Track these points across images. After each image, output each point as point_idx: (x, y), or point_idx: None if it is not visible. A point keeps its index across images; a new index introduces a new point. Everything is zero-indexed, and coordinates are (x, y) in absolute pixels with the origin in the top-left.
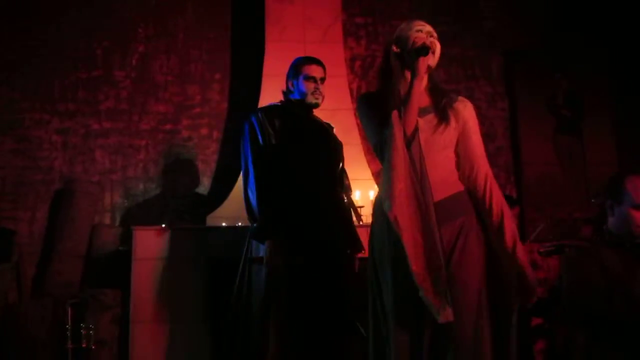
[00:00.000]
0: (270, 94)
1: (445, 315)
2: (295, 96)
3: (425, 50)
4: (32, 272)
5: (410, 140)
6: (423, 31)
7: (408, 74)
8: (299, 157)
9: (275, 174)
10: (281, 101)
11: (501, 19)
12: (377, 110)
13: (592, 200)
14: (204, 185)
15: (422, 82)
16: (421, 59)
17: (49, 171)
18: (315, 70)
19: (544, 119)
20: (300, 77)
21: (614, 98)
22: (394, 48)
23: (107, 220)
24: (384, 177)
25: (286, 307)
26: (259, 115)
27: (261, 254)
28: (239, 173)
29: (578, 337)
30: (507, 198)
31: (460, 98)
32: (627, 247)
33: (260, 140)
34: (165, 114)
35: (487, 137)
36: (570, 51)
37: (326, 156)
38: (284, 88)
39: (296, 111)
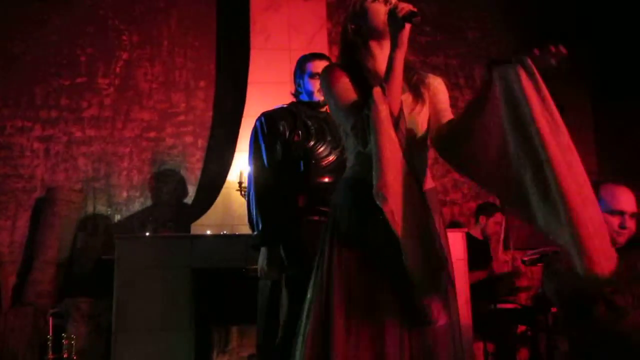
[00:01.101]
0: (256, 101)
1: (442, 316)
2: (304, 97)
3: (414, 15)
4: (12, 282)
5: (398, 121)
6: (380, 0)
7: (374, 48)
8: (303, 161)
9: (277, 181)
10: (289, 103)
11: (485, 29)
12: (350, 86)
13: None
14: (189, 193)
15: (404, 53)
16: (407, 27)
17: (30, 179)
18: (319, 67)
19: None
20: (305, 76)
21: (594, 107)
22: (351, 25)
23: (90, 229)
24: (374, 165)
25: (283, 319)
26: (262, 119)
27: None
28: (224, 181)
29: (561, 344)
30: (488, 205)
31: (429, 74)
32: None
33: (263, 147)
34: (150, 122)
35: None
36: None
37: (334, 158)
38: (271, 94)
39: (302, 112)
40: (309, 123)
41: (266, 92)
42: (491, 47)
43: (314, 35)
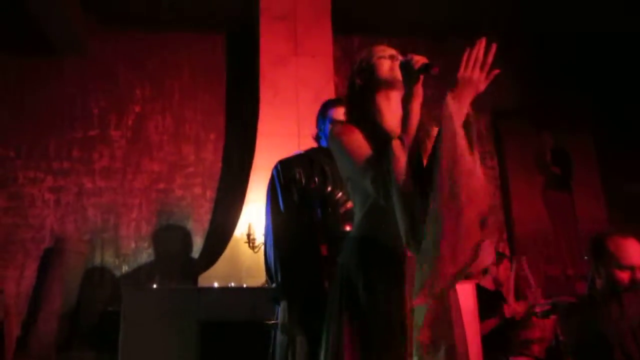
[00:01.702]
0: (265, 153)
1: None
2: (324, 142)
3: (430, 67)
4: (17, 333)
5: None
6: (386, 56)
7: (381, 103)
8: (321, 208)
9: (296, 230)
10: (307, 150)
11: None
12: (364, 141)
13: (585, 257)
14: (197, 245)
15: (420, 104)
16: (421, 79)
17: (40, 229)
18: (341, 113)
19: (533, 177)
20: (327, 121)
21: (601, 155)
22: (358, 81)
23: (97, 280)
24: (398, 217)
25: None
26: (278, 167)
27: (277, 317)
28: (232, 233)
29: None
30: (496, 254)
31: (435, 127)
32: (618, 302)
33: (279, 195)
34: (159, 173)
35: None
36: (556, 110)
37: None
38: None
39: (320, 158)
40: (327, 169)
41: (274, 145)
42: (494, 97)
43: (322, 90)
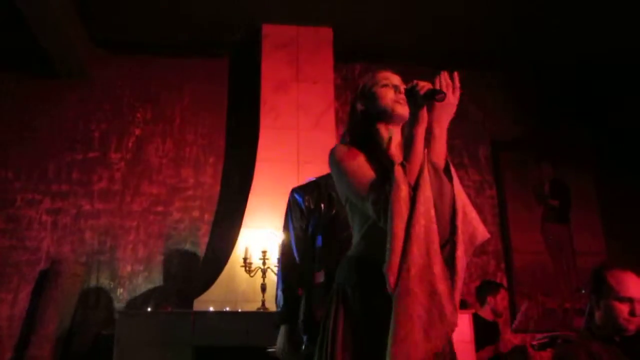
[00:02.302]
0: (264, 178)
1: None
2: None
3: (436, 93)
4: (8, 357)
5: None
6: (389, 85)
7: (381, 130)
8: (327, 232)
9: (303, 256)
10: (319, 176)
11: (488, 110)
12: (366, 163)
13: (582, 291)
14: (193, 268)
15: (424, 130)
16: (426, 105)
17: (35, 251)
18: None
19: (532, 207)
20: None
21: (600, 187)
22: (359, 106)
23: (92, 303)
24: (387, 244)
25: None
26: (291, 193)
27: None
28: (229, 256)
29: None
30: (491, 284)
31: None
32: (616, 341)
33: (290, 223)
34: (158, 196)
35: None
36: (556, 141)
37: None
38: (278, 172)
39: (329, 184)
40: (333, 194)
41: (274, 170)
42: (493, 127)
43: (322, 115)
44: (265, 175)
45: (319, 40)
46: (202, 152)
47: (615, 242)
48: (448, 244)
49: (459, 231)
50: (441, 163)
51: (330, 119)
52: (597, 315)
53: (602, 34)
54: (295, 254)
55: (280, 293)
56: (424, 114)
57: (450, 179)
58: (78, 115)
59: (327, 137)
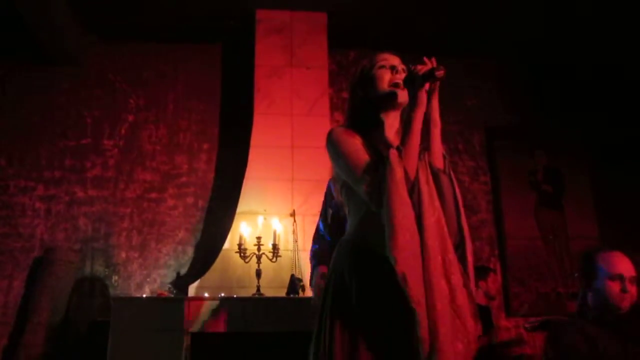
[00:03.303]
0: (258, 164)
1: None
2: None
3: (433, 71)
4: (3, 344)
5: (414, 184)
6: (387, 66)
7: (380, 114)
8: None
9: (333, 240)
10: None
11: (483, 97)
12: (362, 147)
13: (575, 275)
14: (188, 255)
15: (423, 114)
16: (425, 86)
17: (29, 238)
18: None
19: (525, 194)
20: None
21: (593, 174)
22: (359, 91)
23: (86, 290)
24: (386, 227)
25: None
26: (328, 183)
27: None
28: (223, 242)
29: None
30: (480, 269)
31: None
32: (609, 323)
33: (324, 210)
34: (152, 183)
35: (470, 210)
36: (550, 128)
37: None
38: (272, 158)
39: None
40: None
41: (268, 156)
42: (488, 114)
43: (316, 101)
44: (259, 161)
45: (313, 26)
46: (196, 139)
47: (609, 227)
48: (459, 247)
49: (467, 233)
50: (439, 163)
51: (324, 104)
52: (590, 297)
53: (595, 21)
54: (327, 237)
55: (312, 269)
56: (423, 96)
57: (451, 180)
58: (70, 102)
59: (322, 123)
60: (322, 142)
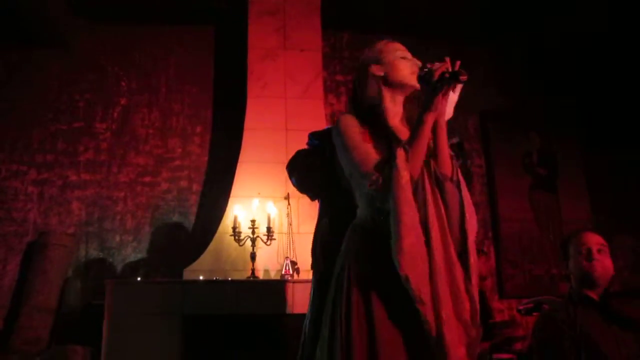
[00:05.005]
0: (251, 147)
1: None
2: None
3: (457, 74)
4: None
5: (417, 185)
6: (407, 58)
7: (387, 100)
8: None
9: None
10: None
11: (477, 80)
12: (368, 137)
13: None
14: (182, 238)
15: (435, 118)
16: (445, 90)
17: (22, 223)
18: None
19: (519, 177)
20: None
21: (586, 156)
22: (377, 71)
23: (81, 273)
24: (392, 229)
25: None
26: None
27: None
28: (218, 226)
29: None
30: None
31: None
32: (595, 302)
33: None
34: (145, 166)
35: None
36: (543, 111)
37: None
38: (266, 141)
39: None
40: None
41: (262, 139)
42: (481, 97)
43: (310, 84)
44: (253, 144)
45: (306, 8)
46: (189, 122)
47: (602, 209)
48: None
49: (470, 240)
50: (447, 171)
51: (318, 87)
52: (572, 278)
53: (587, 4)
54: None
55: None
56: (440, 102)
57: (459, 187)
58: (61, 85)
59: (315, 106)
60: (316, 125)
